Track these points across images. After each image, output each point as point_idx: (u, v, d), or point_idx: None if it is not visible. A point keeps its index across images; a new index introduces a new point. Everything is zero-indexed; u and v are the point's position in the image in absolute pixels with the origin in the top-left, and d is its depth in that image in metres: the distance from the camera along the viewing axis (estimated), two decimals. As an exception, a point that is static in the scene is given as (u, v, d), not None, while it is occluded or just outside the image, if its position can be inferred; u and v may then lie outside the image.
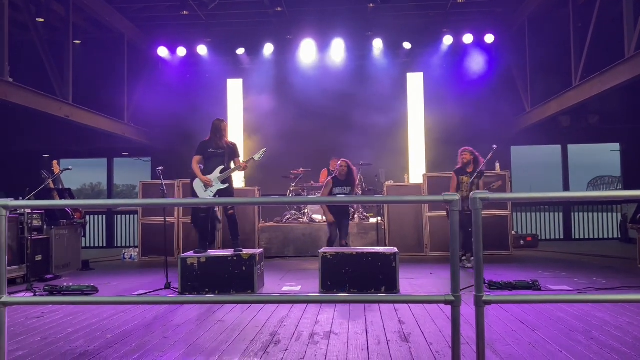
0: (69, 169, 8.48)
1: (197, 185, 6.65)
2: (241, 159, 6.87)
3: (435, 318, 4.69)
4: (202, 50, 13.08)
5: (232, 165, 6.66)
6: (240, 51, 13.11)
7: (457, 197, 2.90)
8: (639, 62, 7.68)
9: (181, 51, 13.10)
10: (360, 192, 7.96)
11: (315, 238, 10.18)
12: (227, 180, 6.63)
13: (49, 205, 8.09)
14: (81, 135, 12.77)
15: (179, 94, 13.26)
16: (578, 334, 4.09)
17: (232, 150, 6.74)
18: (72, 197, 9.23)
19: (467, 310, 4.53)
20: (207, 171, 6.64)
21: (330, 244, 7.71)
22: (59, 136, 13.22)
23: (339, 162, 7.84)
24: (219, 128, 6.72)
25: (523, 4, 11.70)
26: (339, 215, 7.75)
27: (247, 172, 12.53)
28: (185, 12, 12.10)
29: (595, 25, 9.05)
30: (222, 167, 6.63)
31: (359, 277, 6.11)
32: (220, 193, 6.56)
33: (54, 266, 8.22)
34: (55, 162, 8.96)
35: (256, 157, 6.66)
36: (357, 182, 7.94)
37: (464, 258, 7.89)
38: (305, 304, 5.25)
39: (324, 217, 10.51)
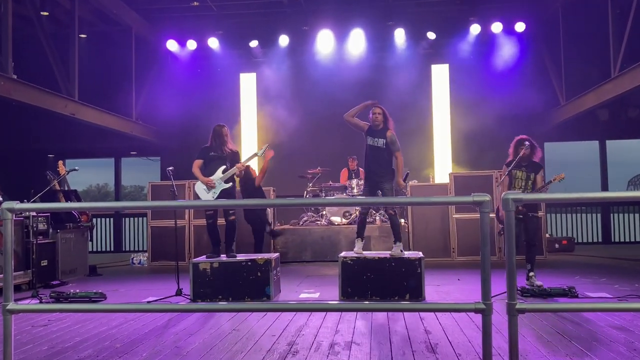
0: (75, 170, 8.54)
1: (199, 188, 6.79)
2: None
3: (464, 327, 4.65)
4: (213, 43, 13.15)
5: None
6: (254, 44, 13.14)
7: (487, 197, 2.88)
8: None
9: (191, 44, 13.20)
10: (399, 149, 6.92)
11: (334, 242, 10.17)
12: (230, 179, 6.76)
13: (55, 208, 8.20)
14: (87, 134, 12.92)
15: (189, 90, 13.35)
16: (619, 345, 4.03)
17: (234, 157, 6.86)
18: (78, 199, 9.35)
19: (499, 318, 4.50)
20: (208, 173, 6.76)
21: (361, 221, 6.88)
22: (65, 135, 13.39)
23: (371, 110, 6.79)
24: (220, 134, 6.84)
25: (556, -11, 11.59)
26: (374, 181, 6.60)
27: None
28: (195, 3, 12.21)
29: (635, 12, 8.90)
30: (224, 167, 6.75)
31: (381, 284, 6.10)
32: (223, 194, 6.68)
33: (60, 271, 8.34)
34: (60, 162, 9.07)
35: (259, 152, 7.02)
36: (393, 130, 6.72)
37: (531, 274, 6.50)
38: (325, 312, 5.25)
39: (343, 219, 10.54)
